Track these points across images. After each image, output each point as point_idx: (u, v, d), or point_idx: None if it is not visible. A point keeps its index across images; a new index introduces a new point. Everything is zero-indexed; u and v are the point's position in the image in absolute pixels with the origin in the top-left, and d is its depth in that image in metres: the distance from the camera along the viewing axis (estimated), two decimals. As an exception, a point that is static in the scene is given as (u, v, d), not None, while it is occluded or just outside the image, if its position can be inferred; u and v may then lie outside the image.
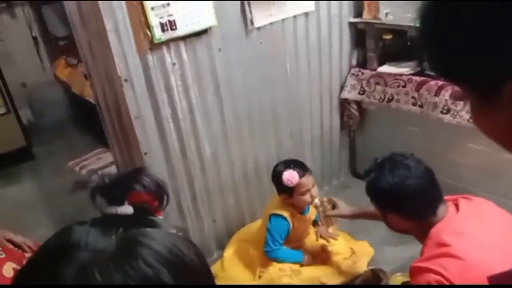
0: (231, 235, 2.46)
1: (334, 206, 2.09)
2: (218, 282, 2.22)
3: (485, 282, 1.15)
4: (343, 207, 2.08)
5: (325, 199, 2.11)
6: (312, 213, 2.23)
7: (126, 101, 1.92)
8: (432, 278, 1.25)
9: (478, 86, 0.47)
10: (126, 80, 1.89)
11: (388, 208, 1.50)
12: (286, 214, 2.10)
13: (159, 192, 0.66)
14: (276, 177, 2.06)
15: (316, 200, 2.07)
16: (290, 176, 1.99)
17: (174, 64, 1.99)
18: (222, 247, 2.44)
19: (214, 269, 2.30)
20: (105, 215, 0.62)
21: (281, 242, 2.12)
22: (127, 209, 0.62)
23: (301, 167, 2.05)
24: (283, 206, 2.11)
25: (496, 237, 1.33)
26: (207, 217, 2.37)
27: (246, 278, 2.18)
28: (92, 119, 2.91)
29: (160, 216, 0.67)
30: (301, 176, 2.00)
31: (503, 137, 0.50)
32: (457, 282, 1.22)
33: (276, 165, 2.12)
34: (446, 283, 1.23)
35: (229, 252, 2.36)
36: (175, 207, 2.21)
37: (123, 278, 0.50)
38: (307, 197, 2.05)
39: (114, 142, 2.29)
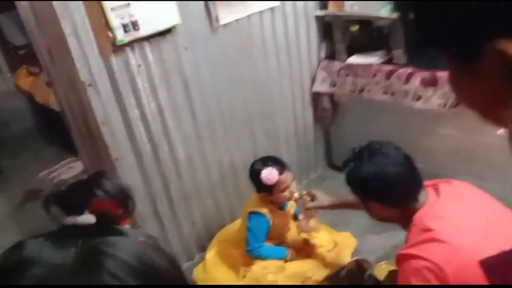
0: (211, 237, 2.41)
1: (313, 198, 2.07)
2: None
3: (472, 265, 1.14)
4: (323, 199, 2.06)
5: (304, 192, 2.09)
6: (291, 207, 2.21)
7: (91, 107, 1.85)
8: (420, 265, 1.24)
9: (458, 49, 0.45)
10: (90, 85, 1.81)
11: (369, 197, 1.49)
12: (265, 211, 2.07)
13: (123, 198, 0.60)
14: (255, 175, 2.01)
15: (296, 194, 2.04)
16: (269, 174, 1.95)
17: (140, 65, 1.93)
18: (203, 249, 2.39)
19: (197, 272, 2.25)
20: (63, 226, 0.56)
21: (263, 239, 2.09)
22: (88, 219, 0.56)
23: (280, 164, 2.01)
24: (262, 203, 2.08)
25: (478, 218, 1.33)
26: (185, 220, 2.31)
27: (230, 279, 2.14)
28: (59, 128, 2.81)
29: (127, 225, 0.61)
30: (280, 173, 1.97)
31: (482, 104, 0.48)
32: (444, 267, 1.21)
33: (253, 163, 2.07)
34: (435, 268, 1.22)
35: (210, 254, 2.31)
36: (151, 212, 2.15)
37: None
38: (286, 193, 2.02)
39: (82, 150, 2.21)
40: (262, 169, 1.97)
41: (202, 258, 2.33)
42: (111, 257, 0.49)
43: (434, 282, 1.22)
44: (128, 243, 0.53)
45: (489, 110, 0.48)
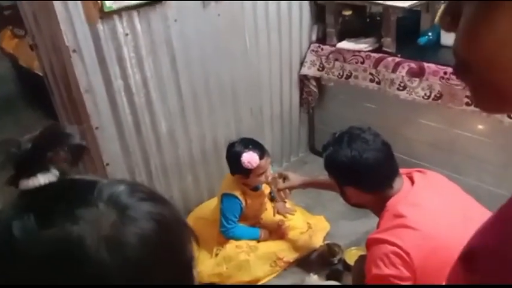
0: (188, 212, 2.42)
1: (284, 179, 2.08)
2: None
3: (441, 253, 1.17)
4: (294, 178, 2.08)
5: (276, 174, 2.11)
6: (265, 188, 2.23)
7: (75, 73, 1.82)
8: (388, 249, 1.27)
9: None
10: (74, 51, 1.78)
11: (345, 181, 1.51)
12: (237, 193, 2.07)
13: (79, 148, 0.57)
14: (234, 157, 1.98)
15: (270, 177, 2.06)
16: (250, 158, 1.93)
17: (127, 35, 1.89)
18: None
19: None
20: (42, 188, 0.52)
21: (235, 220, 2.11)
22: (53, 174, 0.53)
23: (260, 149, 2.00)
24: (235, 185, 2.08)
25: (450, 208, 1.37)
26: (163, 194, 2.30)
27: (203, 257, 2.15)
28: (42, 93, 2.76)
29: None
30: (261, 158, 1.96)
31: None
32: (413, 253, 1.25)
33: (232, 145, 2.04)
34: (403, 254, 1.25)
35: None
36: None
37: (145, 224, 0.48)
38: (262, 178, 2.03)
39: (63, 116, 2.17)
40: (243, 152, 1.94)
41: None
42: (135, 203, 0.50)
43: (401, 268, 1.26)
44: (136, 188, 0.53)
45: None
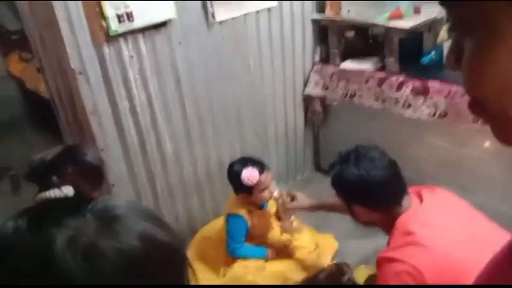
0: (194, 232, 2.41)
1: (292, 198, 2.07)
2: (180, 282, 2.16)
3: (452, 272, 1.15)
4: (302, 199, 2.06)
5: (284, 192, 2.09)
6: (271, 207, 2.21)
7: (80, 95, 1.84)
8: (400, 268, 1.25)
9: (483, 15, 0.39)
10: (80, 73, 1.80)
11: (354, 200, 1.49)
12: (242, 212, 2.05)
13: (94, 170, 0.62)
14: (234, 176, 1.98)
15: (275, 193, 2.04)
16: (250, 175, 1.92)
17: (132, 57, 1.92)
18: (186, 246, 2.38)
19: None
20: (49, 200, 0.56)
21: (242, 240, 2.09)
22: (67, 190, 0.57)
23: (259, 164, 1.99)
24: (240, 204, 2.07)
25: (460, 226, 1.35)
26: (169, 215, 2.30)
27: (210, 278, 2.14)
28: (48, 116, 2.78)
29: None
30: (260, 173, 1.95)
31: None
32: (425, 272, 1.22)
33: (232, 165, 2.03)
34: (415, 273, 1.23)
35: (192, 250, 2.30)
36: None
37: (126, 239, 0.49)
38: (266, 194, 2.01)
39: (69, 138, 2.19)
40: (243, 169, 1.94)
41: (185, 254, 2.32)
42: (123, 207, 0.52)
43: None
44: (133, 206, 0.55)
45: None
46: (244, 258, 2.10)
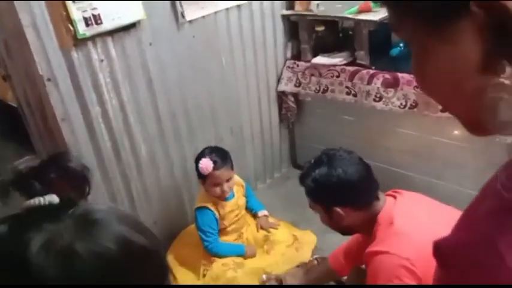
0: (174, 236, 2.39)
1: (280, 282, 2.01)
2: (162, 286, 2.14)
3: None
4: (291, 280, 1.97)
5: (272, 277, 2.03)
6: (238, 198, 2.22)
7: (50, 102, 1.79)
8: (393, 263, 1.25)
9: (434, 9, 0.41)
10: (49, 79, 1.76)
11: (334, 202, 1.47)
12: (209, 204, 2.11)
13: (80, 179, 0.62)
14: (196, 161, 2.08)
15: (264, 277, 2.03)
16: (205, 165, 2.01)
17: (102, 60, 1.88)
18: (164, 250, 2.36)
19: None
20: (32, 208, 0.55)
21: (214, 232, 2.11)
22: (51, 198, 0.56)
23: (221, 159, 2.05)
24: (206, 198, 2.13)
25: (435, 218, 1.38)
26: (147, 220, 2.27)
27: (190, 279, 2.13)
28: (17, 124, 2.71)
29: None
30: (215, 168, 2.01)
31: (449, 87, 0.45)
32: (414, 261, 1.23)
33: (204, 149, 2.13)
34: (406, 263, 1.23)
35: (172, 255, 2.29)
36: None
37: (104, 242, 0.49)
38: (217, 190, 2.06)
39: (41, 147, 2.13)
40: (203, 157, 2.03)
41: (165, 258, 2.30)
42: (104, 212, 0.53)
43: (409, 281, 1.24)
44: (114, 210, 0.56)
45: (448, 97, 0.46)
46: (223, 256, 2.10)
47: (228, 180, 2.08)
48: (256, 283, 2.05)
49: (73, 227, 0.50)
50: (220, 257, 2.10)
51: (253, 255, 2.17)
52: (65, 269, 0.47)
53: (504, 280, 0.41)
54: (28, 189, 0.57)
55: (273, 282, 2.01)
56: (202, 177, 2.06)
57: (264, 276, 2.03)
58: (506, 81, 0.39)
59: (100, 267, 0.48)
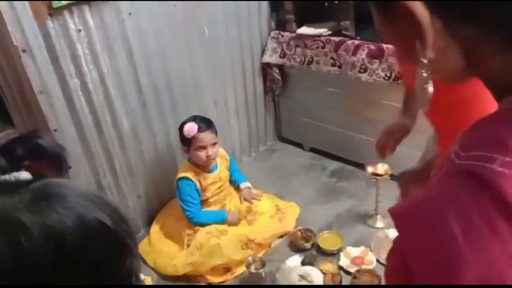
0: (158, 210, 2.38)
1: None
2: (147, 258, 2.16)
3: None
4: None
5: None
6: (221, 171, 2.23)
7: (27, 74, 1.74)
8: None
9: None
10: (24, 51, 1.70)
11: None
12: (190, 175, 2.12)
13: (57, 158, 0.60)
14: (180, 128, 2.11)
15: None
16: (189, 128, 2.04)
17: (80, 31, 1.82)
18: (149, 223, 2.36)
19: (142, 245, 2.22)
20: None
21: (195, 202, 2.12)
22: (24, 175, 0.54)
23: (206, 124, 2.09)
24: (188, 168, 2.15)
25: None
26: (130, 193, 2.26)
27: (175, 250, 2.14)
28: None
29: None
30: (200, 131, 2.05)
31: (400, 49, 0.57)
32: None
33: (187, 118, 2.15)
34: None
35: (156, 227, 2.29)
36: (94, 185, 2.08)
37: (58, 217, 0.47)
38: (201, 154, 2.08)
39: (19, 121, 2.07)
40: (188, 122, 2.07)
41: (148, 232, 2.30)
42: (69, 189, 0.50)
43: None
44: (72, 182, 0.53)
45: (406, 58, 0.54)
46: (205, 223, 2.11)
47: (213, 145, 2.09)
48: (239, 249, 2.07)
49: (27, 200, 0.48)
50: (203, 225, 2.11)
51: (235, 222, 2.18)
52: (10, 242, 0.45)
53: (448, 245, 0.43)
54: (3, 163, 0.55)
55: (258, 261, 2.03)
56: (186, 142, 2.07)
57: (250, 259, 2.04)
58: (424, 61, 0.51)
59: (50, 242, 0.46)
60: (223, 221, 2.15)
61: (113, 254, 0.52)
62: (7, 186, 0.51)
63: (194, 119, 2.10)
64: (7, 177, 0.54)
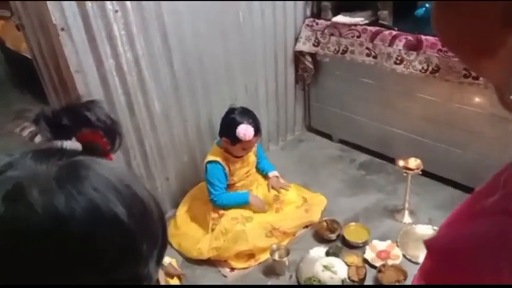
0: (185, 193, 2.40)
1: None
2: (172, 240, 2.18)
3: None
4: None
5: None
6: (249, 156, 2.22)
7: (64, 53, 1.76)
8: None
9: None
10: (62, 29, 1.72)
11: None
12: (219, 159, 2.11)
13: (112, 131, 0.58)
14: (231, 124, 2.02)
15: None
16: (246, 131, 1.98)
17: (117, 11, 1.83)
18: (176, 206, 2.38)
19: (168, 228, 2.25)
20: (47, 147, 0.52)
21: (221, 186, 2.12)
22: (75, 145, 0.53)
23: (256, 125, 2.05)
24: (218, 152, 2.13)
25: None
26: (159, 176, 2.29)
27: (200, 234, 2.16)
28: (31, 76, 2.70)
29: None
30: (254, 135, 2.02)
31: (467, 46, 0.45)
32: None
33: (233, 111, 2.07)
34: None
35: (182, 210, 2.31)
36: (124, 166, 2.11)
37: (66, 201, 0.44)
38: (243, 152, 2.11)
39: (54, 99, 2.12)
40: (242, 123, 2.00)
41: (175, 214, 2.33)
42: (94, 170, 0.47)
43: None
44: (111, 164, 0.51)
45: (475, 55, 0.45)
46: (228, 206, 2.12)
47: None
48: (264, 237, 2.07)
49: (47, 175, 0.46)
50: (226, 208, 2.12)
51: (259, 206, 2.18)
52: (12, 212, 0.43)
53: None
54: (57, 128, 0.54)
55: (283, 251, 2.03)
56: (234, 139, 2.01)
57: (274, 246, 2.04)
58: None
59: (50, 221, 0.43)
60: (246, 203, 2.15)
61: (121, 255, 0.48)
62: (46, 153, 0.49)
63: (247, 118, 2.03)
64: (54, 143, 0.53)
